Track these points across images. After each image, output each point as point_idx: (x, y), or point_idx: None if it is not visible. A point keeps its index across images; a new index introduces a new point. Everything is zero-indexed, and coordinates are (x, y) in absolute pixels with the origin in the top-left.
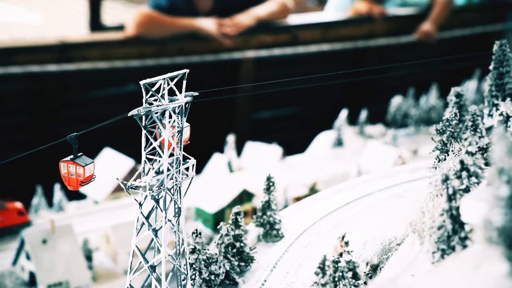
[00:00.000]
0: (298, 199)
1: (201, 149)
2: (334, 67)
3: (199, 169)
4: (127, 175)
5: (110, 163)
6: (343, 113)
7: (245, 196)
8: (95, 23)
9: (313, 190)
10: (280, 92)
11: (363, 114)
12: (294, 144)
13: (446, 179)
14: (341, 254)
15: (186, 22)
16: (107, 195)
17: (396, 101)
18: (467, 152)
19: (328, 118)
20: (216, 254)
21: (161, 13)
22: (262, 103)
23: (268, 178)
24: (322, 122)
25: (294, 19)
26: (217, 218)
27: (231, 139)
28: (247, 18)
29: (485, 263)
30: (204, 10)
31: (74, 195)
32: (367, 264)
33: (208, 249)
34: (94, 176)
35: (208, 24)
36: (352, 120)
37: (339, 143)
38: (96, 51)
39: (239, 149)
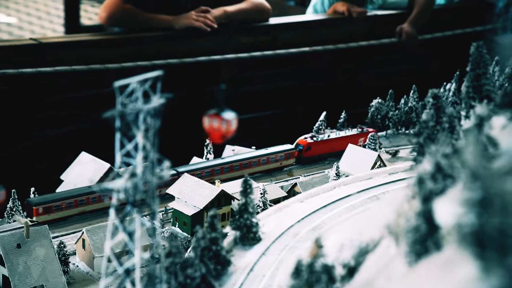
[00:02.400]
0: (276, 201)
1: (180, 152)
2: (314, 69)
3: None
4: (103, 178)
5: (86, 167)
6: (322, 116)
7: (224, 198)
8: (73, 25)
9: (292, 193)
10: (259, 95)
11: (343, 117)
12: (274, 146)
13: (420, 181)
14: (316, 257)
15: (161, 18)
16: None
17: (376, 103)
18: (442, 154)
19: (307, 121)
20: (192, 257)
21: (134, 5)
22: (241, 106)
23: (245, 181)
24: (301, 125)
25: (273, 20)
26: (195, 221)
27: (209, 142)
28: (216, 10)
29: (457, 266)
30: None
31: None
32: (343, 267)
33: (184, 252)
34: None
35: (184, 19)
36: (332, 123)
37: None
38: (72, 53)
39: (218, 152)
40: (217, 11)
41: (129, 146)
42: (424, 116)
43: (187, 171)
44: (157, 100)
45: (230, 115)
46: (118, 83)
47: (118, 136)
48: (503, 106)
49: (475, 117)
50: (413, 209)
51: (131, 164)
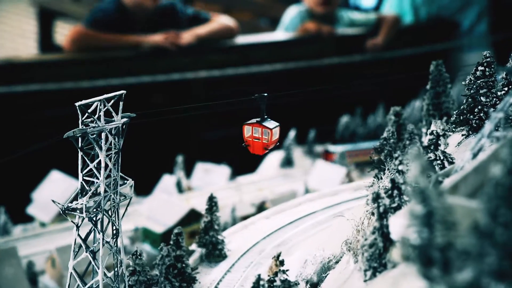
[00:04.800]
0: (246, 218)
1: (151, 170)
2: (284, 87)
3: (148, 190)
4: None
5: (57, 185)
6: (292, 133)
7: (193, 216)
8: (47, 44)
9: (261, 209)
10: (230, 112)
11: (312, 134)
12: (245, 163)
13: (377, 198)
14: (276, 274)
15: (128, 37)
16: (54, 217)
17: (344, 120)
18: (398, 171)
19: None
20: (157, 275)
21: (97, 31)
22: (211, 123)
23: (210, 198)
24: None
25: (244, 39)
26: (165, 239)
27: (180, 159)
28: (188, 35)
29: (405, 281)
30: (141, 19)
31: (20, 218)
32: (306, 282)
33: (148, 270)
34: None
35: (153, 37)
36: (301, 139)
37: (288, 162)
38: (44, 71)
39: (189, 169)
40: (189, 34)
41: (92, 165)
42: (384, 134)
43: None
44: (119, 119)
45: (272, 124)
46: (80, 103)
47: (80, 155)
48: (458, 124)
49: (430, 133)
50: (371, 225)
51: (94, 183)
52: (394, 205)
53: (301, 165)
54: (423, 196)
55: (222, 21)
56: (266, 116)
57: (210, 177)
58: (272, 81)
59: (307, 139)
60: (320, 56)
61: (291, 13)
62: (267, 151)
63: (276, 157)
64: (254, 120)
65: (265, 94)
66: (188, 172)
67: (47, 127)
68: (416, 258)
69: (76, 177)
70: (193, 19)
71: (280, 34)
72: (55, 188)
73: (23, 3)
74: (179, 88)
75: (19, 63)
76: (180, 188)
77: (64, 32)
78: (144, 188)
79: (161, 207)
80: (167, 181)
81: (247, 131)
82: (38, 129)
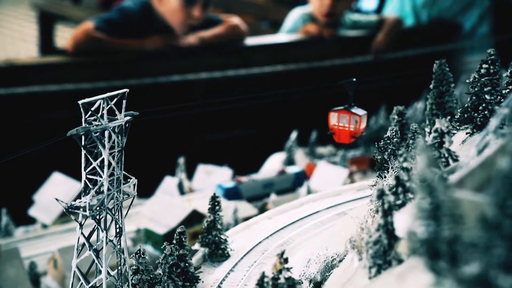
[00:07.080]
0: (247, 219)
1: (152, 171)
2: (285, 89)
3: (150, 192)
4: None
5: (59, 187)
6: (294, 135)
7: (195, 217)
8: (47, 47)
9: (263, 210)
10: (232, 114)
11: (313, 135)
12: (247, 165)
13: (381, 195)
14: (280, 271)
15: (130, 42)
16: (56, 218)
17: None
18: (403, 168)
19: (279, 139)
20: (160, 274)
21: (105, 34)
22: (213, 125)
23: (213, 198)
24: (273, 143)
25: (246, 41)
26: (167, 240)
27: (182, 161)
28: (191, 37)
29: (411, 275)
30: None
31: (22, 220)
32: (310, 281)
33: (152, 269)
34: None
35: (154, 40)
36: (303, 141)
37: (290, 163)
38: (46, 74)
39: (191, 171)
40: (192, 38)
41: (95, 163)
42: (388, 133)
43: None
44: (122, 118)
45: (361, 111)
46: (83, 101)
47: (83, 153)
48: (462, 122)
49: (434, 131)
50: (375, 223)
51: (97, 181)
52: (398, 202)
53: (302, 166)
54: (430, 190)
55: (230, 24)
56: (353, 103)
57: (212, 179)
58: (273, 83)
59: (309, 141)
60: (322, 58)
61: (294, 16)
62: (354, 139)
63: (278, 158)
64: (341, 107)
65: (354, 80)
66: (190, 174)
67: (48, 129)
68: (423, 251)
69: (78, 178)
70: (205, 23)
71: (281, 36)
72: (56, 190)
73: (23, 7)
74: (180, 90)
75: (20, 66)
76: (182, 189)
77: (64, 36)
78: (146, 190)
79: (163, 208)
80: (169, 183)
81: (333, 118)
82: (39, 131)
